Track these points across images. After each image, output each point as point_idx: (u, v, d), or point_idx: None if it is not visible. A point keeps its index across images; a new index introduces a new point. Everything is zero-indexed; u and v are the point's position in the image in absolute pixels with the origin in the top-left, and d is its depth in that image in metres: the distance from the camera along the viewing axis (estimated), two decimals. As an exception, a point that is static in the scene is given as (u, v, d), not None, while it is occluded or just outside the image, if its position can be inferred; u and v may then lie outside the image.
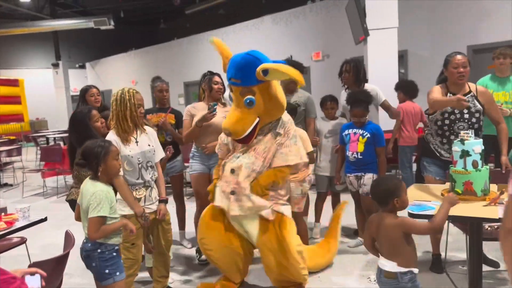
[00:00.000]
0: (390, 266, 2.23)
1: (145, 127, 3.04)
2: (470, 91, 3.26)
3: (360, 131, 3.77)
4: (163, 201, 3.06)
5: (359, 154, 3.75)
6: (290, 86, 3.99)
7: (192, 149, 3.88)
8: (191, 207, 3.95)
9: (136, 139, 2.92)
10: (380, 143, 3.76)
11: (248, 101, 2.72)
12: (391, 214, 2.26)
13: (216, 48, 2.97)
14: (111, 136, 2.85)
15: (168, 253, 3.20)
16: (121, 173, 2.75)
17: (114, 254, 2.45)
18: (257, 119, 2.79)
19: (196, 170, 3.81)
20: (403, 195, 2.27)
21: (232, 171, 2.85)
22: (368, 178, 3.76)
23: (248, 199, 2.80)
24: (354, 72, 4.06)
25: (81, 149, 2.45)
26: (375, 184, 2.39)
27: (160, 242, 3.12)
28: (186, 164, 4.37)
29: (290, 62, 3.97)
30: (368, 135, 3.73)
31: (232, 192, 2.83)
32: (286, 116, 2.97)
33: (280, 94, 2.86)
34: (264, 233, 2.88)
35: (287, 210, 2.96)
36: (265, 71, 2.62)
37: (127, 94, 2.86)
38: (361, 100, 3.74)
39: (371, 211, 3.84)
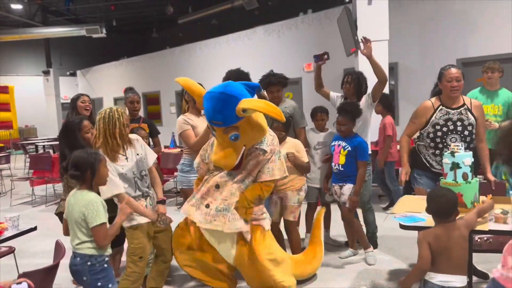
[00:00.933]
0: (460, 280, 2.15)
1: (130, 135, 3.01)
2: (464, 104, 3.30)
3: (343, 144, 3.79)
4: (161, 201, 3.10)
5: (340, 166, 3.78)
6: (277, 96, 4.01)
7: (185, 162, 3.77)
8: (180, 217, 3.93)
9: (125, 155, 2.92)
10: (361, 157, 3.76)
11: (233, 137, 2.70)
12: (455, 223, 2.25)
13: (185, 88, 2.99)
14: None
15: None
16: (122, 190, 2.79)
17: (105, 266, 2.43)
18: (244, 147, 2.80)
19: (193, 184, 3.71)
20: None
21: (217, 186, 2.84)
22: (348, 188, 3.78)
23: (223, 216, 2.78)
24: (355, 84, 4.11)
25: (72, 160, 2.41)
26: (433, 197, 2.33)
27: (166, 250, 3.12)
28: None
29: (272, 75, 3.99)
30: (349, 148, 3.74)
31: (207, 206, 2.83)
32: (269, 135, 2.97)
33: (261, 119, 2.85)
34: (240, 248, 2.89)
35: (266, 223, 2.94)
36: (245, 109, 2.61)
37: (116, 113, 2.86)
38: (347, 111, 3.78)
39: (350, 221, 3.87)
